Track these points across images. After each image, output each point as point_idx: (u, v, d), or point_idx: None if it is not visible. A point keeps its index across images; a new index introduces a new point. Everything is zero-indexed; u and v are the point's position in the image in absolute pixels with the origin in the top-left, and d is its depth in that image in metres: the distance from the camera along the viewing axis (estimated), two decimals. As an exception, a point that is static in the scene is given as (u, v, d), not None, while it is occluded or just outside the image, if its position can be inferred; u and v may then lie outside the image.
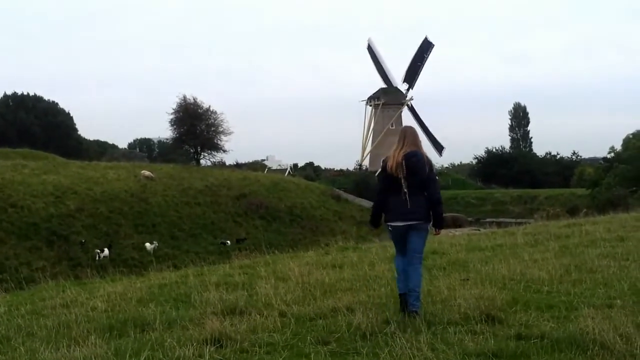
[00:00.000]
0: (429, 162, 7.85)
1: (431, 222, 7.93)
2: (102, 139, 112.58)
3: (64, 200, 36.45)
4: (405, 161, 7.60)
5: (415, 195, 7.63)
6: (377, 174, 8.92)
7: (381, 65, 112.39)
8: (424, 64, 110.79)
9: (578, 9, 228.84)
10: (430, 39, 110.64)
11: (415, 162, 7.60)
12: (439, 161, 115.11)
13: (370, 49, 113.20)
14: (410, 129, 8.26)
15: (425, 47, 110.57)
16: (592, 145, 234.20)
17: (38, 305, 9.72)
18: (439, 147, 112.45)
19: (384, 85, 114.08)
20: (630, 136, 62.28)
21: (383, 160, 8.03)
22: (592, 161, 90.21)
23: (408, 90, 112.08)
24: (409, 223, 7.66)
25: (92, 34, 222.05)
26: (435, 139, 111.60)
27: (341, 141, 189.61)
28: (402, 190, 7.62)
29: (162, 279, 11.96)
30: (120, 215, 37.04)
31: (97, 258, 31.31)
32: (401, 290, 7.66)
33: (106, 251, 31.81)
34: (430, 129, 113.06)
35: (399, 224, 7.72)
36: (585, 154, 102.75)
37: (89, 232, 34.35)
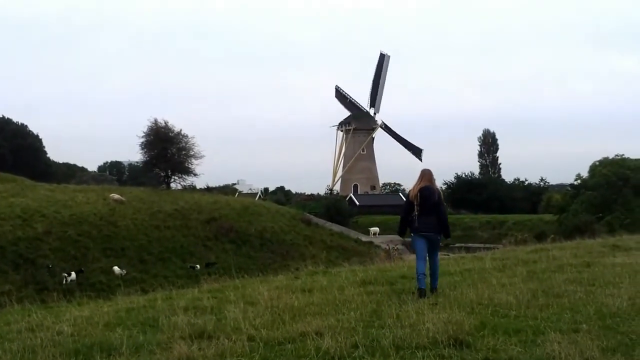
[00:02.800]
0: (439, 193, 11.60)
1: (441, 234, 11.42)
2: (72, 161, 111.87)
3: (31, 223, 36.03)
4: (420, 192, 11.25)
5: (426, 216, 11.17)
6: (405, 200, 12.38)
7: (353, 104, 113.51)
8: (384, 79, 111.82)
9: (546, 37, 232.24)
10: (385, 52, 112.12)
11: (427, 194, 11.23)
12: (409, 186, 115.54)
13: (338, 93, 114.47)
14: (427, 170, 11.79)
15: (381, 61, 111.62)
16: (559, 172, 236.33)
17: (3, 329, 9.57)
18: (417, 152, 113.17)
19: (356, 98, 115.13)
20: (597, 163, 63.03)
21: (408, 192, 11.97)
22: (560, 188, 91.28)
23: (375, 114, 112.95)
24: (422, 234, 11.18)
25: (62, 57, 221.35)
26: (411, 144, 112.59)
27: (312, 166, 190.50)
28: (414, 212, 11.22)
29: (129, 303, 11.86)
30: (88, 239, 36.65)
31: (64, 282, 30.91)
32: (421, 286, 10.77)
33: (73, 275, 31.43)
34: (401, 155, 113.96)
35: (417, 235, 11.25)
36: (553, 180, 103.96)
37: (57, 255, 33.94)
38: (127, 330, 8.52)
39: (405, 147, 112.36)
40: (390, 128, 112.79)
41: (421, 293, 10.59)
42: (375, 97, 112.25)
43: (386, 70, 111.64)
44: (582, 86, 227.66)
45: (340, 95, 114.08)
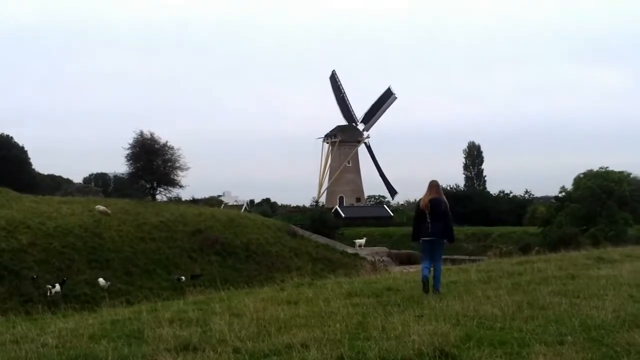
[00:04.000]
0: (445, 203, 13.02)
1: (446, 239, 13.15)
2: (57, 173, 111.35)
3: (15, 234, 35.76)
4: (430, 202, 12.81)
5: (435, 223, 12.76)
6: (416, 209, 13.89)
7: (343, 98, 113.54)
8: (383, 112, 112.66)
9: (528, 49, 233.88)
10: (393, 90, 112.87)
11: (436, 203, 12.81)
12: (393, 201, 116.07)
13: (333, 79, 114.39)
14: (435, 182, 13.26)
15: (386, 97, 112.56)
16: (543, 185, 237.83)
17: (-13, 341, 9.51)
18: (392, 191, 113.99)
19: (341, 123, 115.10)
20: (581, 176, 63.38)
21: (417, 202, 13.63)
22: (544, 200, 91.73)
23: (364, 129, 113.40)
24: (431, 238, 12.86)
25: (46, 68, 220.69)
26: (389, 182, 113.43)
27: (298, 178, 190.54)
28: (426, 220, 12.83)
29: (114, 314, 11.83)
30: (73, 251, 36.40)
31: (48, 294, 30.69)
32: (424, 279, 12.56)
33: (58, 287, 31.18)
34: (386, 169, 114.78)
35: (426, 239, 12.95)
36: (538, 192, 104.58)
37: (41, 267, 33.68)
38: (112, 343, 8.50)
39: (383, 180, 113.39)
40: (374, 154, 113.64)
41: (424, 287, 12.46)
42: (370, 117, 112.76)
43: (389, 103, 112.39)
44: (565, 100, 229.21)
45: (335, 84, 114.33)
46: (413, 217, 13.76)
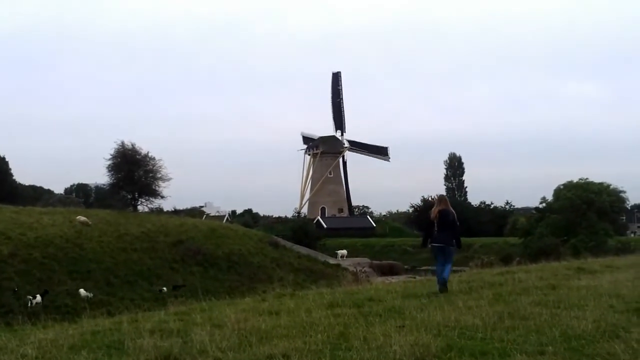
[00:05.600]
0: (453, 214, 14.61)
1: (455, 245, 14.78)
2: (38, 184, 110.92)
3: (-5, 245, 35.47)
4: (439, 214, 14.41)
5: (443, 231, 14.37)
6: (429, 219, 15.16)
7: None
8: (342, 97, 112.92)
9: (507, 62, 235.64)
10: (335, 70, 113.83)
11: (445, 214, 14.40)
12: (376, 209, 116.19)
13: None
14: (443, 196, 15.59)
15: (380, 152, 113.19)
16: (524, 196, 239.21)
17: (-34, 352, 9.42)
18: (383, 151, 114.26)
19: (323, 133, 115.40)
20: (561, 187, 63.86)
21: (428, 213, 15.03)
22: (525, 211, 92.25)
23: (342, 135, 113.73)
24: (440, 245, 14.44)
25: (27, 78, 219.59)
26: (377, 147, 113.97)
27: (280, 188, 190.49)
28: (434, 228, 14.42)
29: (95, 325, 11.75)
30: (54, 261, 36.13)
31: (29, 305, 30.44)
32: (439, 283, 14.32)
33: (39, 297, 30.93)
34: (367, 181, 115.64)
35: (436, 245, 14.51)
36: (518, 203, 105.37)
37: (22, 278, 33.39)
38: (92, 353, 8.45)
39: (372, 152, 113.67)
40: (355, 141, 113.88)
41: (441, 289, 14.10)
42: (339, 118, 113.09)
43: (342, 88, 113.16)
44: (543, 111, 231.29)
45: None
46: (424, 227, 15.89)
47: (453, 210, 14.77)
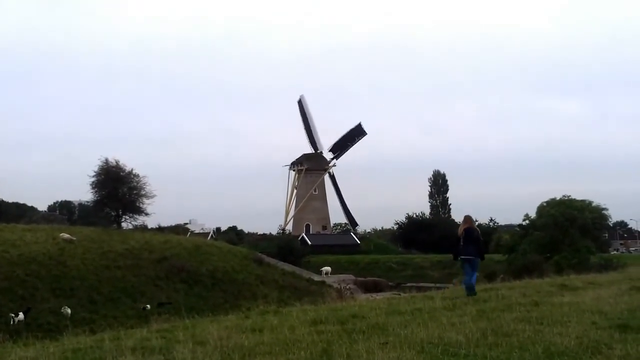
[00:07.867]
0: (478, 231, 17.24)
1: (479, 257, 16.97)
2: (21, 201, 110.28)
3: (-22, 263, 35.19)
4: (465, 231, 16.88)
5: (469, 246, 16.77)
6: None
7: (309, 124, 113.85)
8: (352, 145, 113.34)
9: (489, 82, 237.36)
10: (364, 127, 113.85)
11: (470, 232, 16.88)
12: (361, 226, 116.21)
13: (300, 105, 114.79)
14: (469, 217, 17.53)
15: (357, 132, 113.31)
16: (508, 213, 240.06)
17: (-54, 370, 9.35)
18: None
19: (307, 151, 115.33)
20: (545, 204, 64.16)
21: (456, 230, 17.98)
22: (508, 228, 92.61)
23: (332, 159, 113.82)
24: (467, 257, 16.78)
25: (8, 94, 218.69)
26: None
27: (265, 206, 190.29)
28: (460, 243, 16.85)
29: (76, 343, 11.68)
30: (37, 279, 35.90)
31: (12, 322, 30.16)
32: (468, 289, 16.44)
33: (21, 315, 30.68)
34: (352, 198, 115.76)
35: (464, 257, 16.82)
36: (502, 220, 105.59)
37: (4, 295, 33.15)
38: (74, 371, 8.38)
39: (352, 139, 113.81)
40: (334, 143, 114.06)
41: (469, 293, 16.25)
42: (339, 148, 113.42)
43: (359, 138, 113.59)
44: (526, 129, 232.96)
45: (302, 109, 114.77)
46: (453, 243, 17.77)
47: (478, 229, 17.54)
